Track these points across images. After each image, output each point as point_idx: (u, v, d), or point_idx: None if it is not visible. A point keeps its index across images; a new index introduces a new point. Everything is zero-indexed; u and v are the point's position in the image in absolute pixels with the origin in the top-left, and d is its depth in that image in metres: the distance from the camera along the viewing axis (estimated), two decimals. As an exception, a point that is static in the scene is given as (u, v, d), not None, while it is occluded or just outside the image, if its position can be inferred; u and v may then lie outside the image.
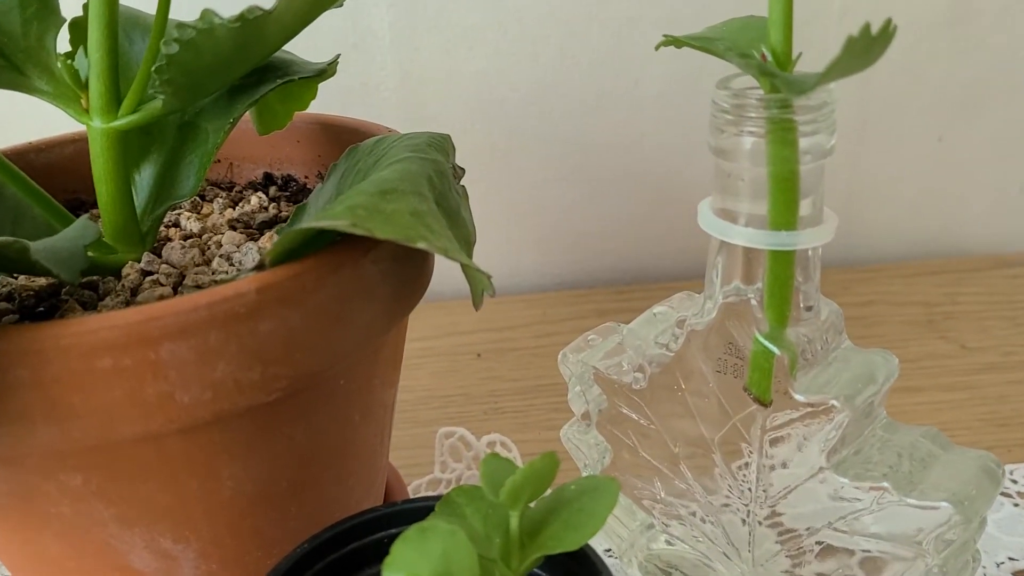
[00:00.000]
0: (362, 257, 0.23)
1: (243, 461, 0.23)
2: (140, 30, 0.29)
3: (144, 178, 0.28)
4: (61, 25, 0.26)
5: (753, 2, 0.28)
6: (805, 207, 0.23)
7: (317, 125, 0.33)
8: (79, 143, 0.33)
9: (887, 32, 0.18)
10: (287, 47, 0.30)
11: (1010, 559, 0.33)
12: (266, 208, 0.32)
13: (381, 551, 0.23)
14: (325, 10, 0.25)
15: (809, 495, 0.26)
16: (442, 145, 0.27)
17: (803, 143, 0.22)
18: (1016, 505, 0.35)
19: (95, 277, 0.26)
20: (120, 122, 0.25)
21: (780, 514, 0.27)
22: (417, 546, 0.19)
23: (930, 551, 0.23)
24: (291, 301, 0.21)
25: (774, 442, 0.26)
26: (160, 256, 0.27)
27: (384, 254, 0.24)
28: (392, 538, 0.19)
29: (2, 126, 0.50)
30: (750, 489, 0.27)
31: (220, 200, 0.32)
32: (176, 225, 0.31)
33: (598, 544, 0.34)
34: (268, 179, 0.35)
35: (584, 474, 0.32)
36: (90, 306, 0.24)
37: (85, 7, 0.25)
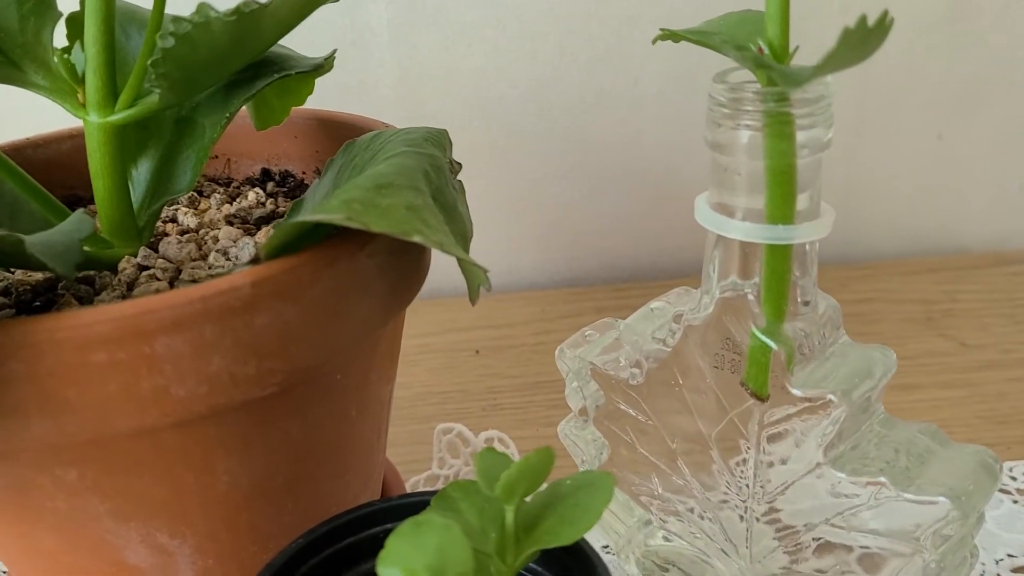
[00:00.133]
0: (358, 251, 0.23)
1: (239, 455, 0.23)
2: (137, 25, 0.29)
3: (141, 173, 0.28)
4: (58, 20, 0.26)
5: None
6: (802, 201, 0.23)
7: (314, 121, 0.33)
8: (77, 139, 0.33)
9: (883, 25, 0.18)
10: (285, 43, 0.30)
11: (1009, 556, 0.33)
12: (263, 204, 0.32)
13: (377, 546, 0.23)
14: (321, 4, 0.25)
15: (807, 491, 0.26)
16: (439, 140, 0.27)
17: (800, 137, 0.22)
18: (1015, 502, 0.35)
19: (92, 272, 0.26)
20: (117, 117, 0.25)
21: (778, 510, 0.27)
22: (412, 540, 0.19)
23: (927, 547, 0.23)
24: (286, 295, 0.21)
25: (772, 439, 0.26)
26: (157, 251, 0.27)
27: (380, 248, 0.24)
28: (388, 533, 0.19)
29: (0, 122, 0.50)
30: (748, 485, 0.27)
31: (217, 196, 0.32)
32: (173, 221, 0.31)
33: (595, 540, 0.34)
34: (266, 175, 0.35)
35: (581, 470, 0.32)
36: (86, 301, 0.24)
37: (82, 2, 0.25)
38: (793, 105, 0.21)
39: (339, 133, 0.32)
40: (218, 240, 0.28)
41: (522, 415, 0.44)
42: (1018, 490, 0.36)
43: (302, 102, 0.30)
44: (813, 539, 0.27)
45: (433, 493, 0.23)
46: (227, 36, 0.22)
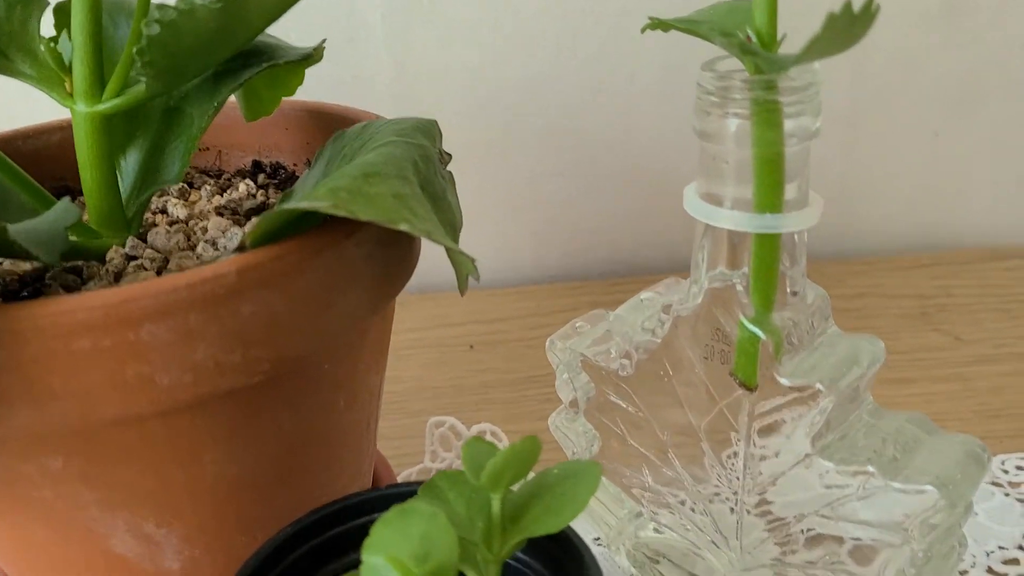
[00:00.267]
0: (345, 240, 0.23)
1: (226, 445, 0.23)
2: (125, 14, 0.28)
3: (129, 164, 0.28)
4: (45, 9, 0.26)
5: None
6: (791, 191, 0.23)
7: (305, 112, 0.33)
8: (66, 131, 0.33)
9: (869, 12, 0.18)
10: (275, 34, 0.30)
11: (1000, 548, 0.33)
12: (254, 195, 0.32)
13: (364, 536, 0.23)
14: (309, -7, 0.25)
15: (797, 483, 0.26)
16: (428, 130, 0.27)
17: (788, 125, 0.22)
18: (1007, 495, 0.35)
19: (79, 262, 0.26)
20: (104, 106, 0.25)
21: (769, 503, 0.27)
22: (397, 527, 0.19)
23: (915, 536, 0.23)
24: (272, 283, 0.21)
25: (762, 432, 0.26)
26: (145, 241, 0.27)
27: (368, 237, 0.23)
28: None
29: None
30: (738, 478, 0.27)
31: (208, 187, 0.32)
32: (164, 212, 0.31)
33: (586, 532, 0.34)
34: (256, 167, 0.35)
35: (572, 462, 0.32)
36: (74, 290, 0.24)
37: (69, -10, 0.25)
38: (781, 93, 0.21)
39: (330, 124, 0.32)
40: (207, 231, 0.28)
41: (515, 409, 0.44)
42: (1010, 483, 0.36)
43: (292, 93, 0.30)
44: (803, 531, 0.27)
45: (421, 483, 0.23)
46: (213, 23, 0.22)
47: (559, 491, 0.21)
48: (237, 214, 0.30)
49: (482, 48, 0.54)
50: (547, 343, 0.30)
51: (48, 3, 0.26)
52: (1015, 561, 0.32)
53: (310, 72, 0.30)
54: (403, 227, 0.21)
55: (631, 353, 0.28)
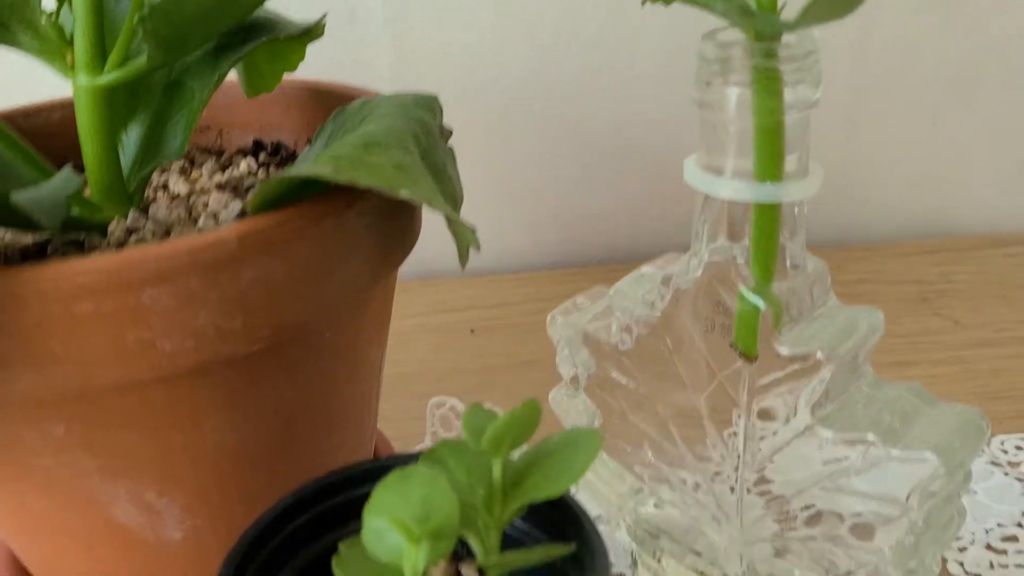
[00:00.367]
0: (346, 209, 0.23)
1: (227, 413, 0.23)
2: (126, -12, 0.28)
3: (131, 138, 0.28)
4: (46, -19, 0.26)
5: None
6: (791, 162, 0.23)
7: (306, 90, 0.33)
8: (67, 109, 0.33)
9: (869, -26, 0.18)
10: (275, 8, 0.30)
11: (999, 525, 0.33)
12: (255, 173, 0.32)
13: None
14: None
15: (797, 461, 0.26)
16: (429, 104, 0.27)
17: (788, 94, 0.22)
18: (1006, 474, 0.35)
19: (81, 235, 0.26)
20: (106, 78, 0.25)
21: (769, 481, 0.27)
22: (398, 490, 0.19)
23: (914, 504, 0.23)
24: (273, 250, 0.21)
25: (762, 415, 0.26)
26: (147, 215, 0.27)
27: (369, 207, 0.24)
28: (376, 492, 0.19)
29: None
30: (739, 455, 0.27)
31: (209, 165, 0.32)
32: (164, 188, 0.31)
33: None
34: (257, 146, 0.35)
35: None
36: (75, 261, 0.24)
37: (70, -38, 0.25)
38: (781, 61, 0.21)
39: (331, 103, 0.32)
40: (208, 205, 0.28)
41: (516, 391, 0.44)
42: (1009, 463, 0.36)
43: (293, 68, 0.30)
44: (803, 508, 0.27)
45: (421, 454, 0.23)
46: (214, -8, 0.22)
47: (559, 457, 0.21)
48: (238, 191, 0.30)
49: (482, 31, 0.54)
50: (548, 318, 0.30)
51: (49, -25, 0.26)
52: (1013, 538, 0.33)
53: (310, 55, 0.30)
54: (403, 194, 0.21)
55: (631, 327, 0.28)
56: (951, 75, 0.56)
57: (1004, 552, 0.32)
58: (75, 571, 0.27)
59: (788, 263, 0.25)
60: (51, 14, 0.27)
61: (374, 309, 0.27)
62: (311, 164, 0.20)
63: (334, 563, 0.20)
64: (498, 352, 0.48)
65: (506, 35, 0.54)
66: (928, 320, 0.49)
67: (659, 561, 0.31)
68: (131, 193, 0.27)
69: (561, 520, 0.22)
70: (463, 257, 0.24)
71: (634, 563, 0.32)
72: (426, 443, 0.40)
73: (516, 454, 0.22)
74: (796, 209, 0.25)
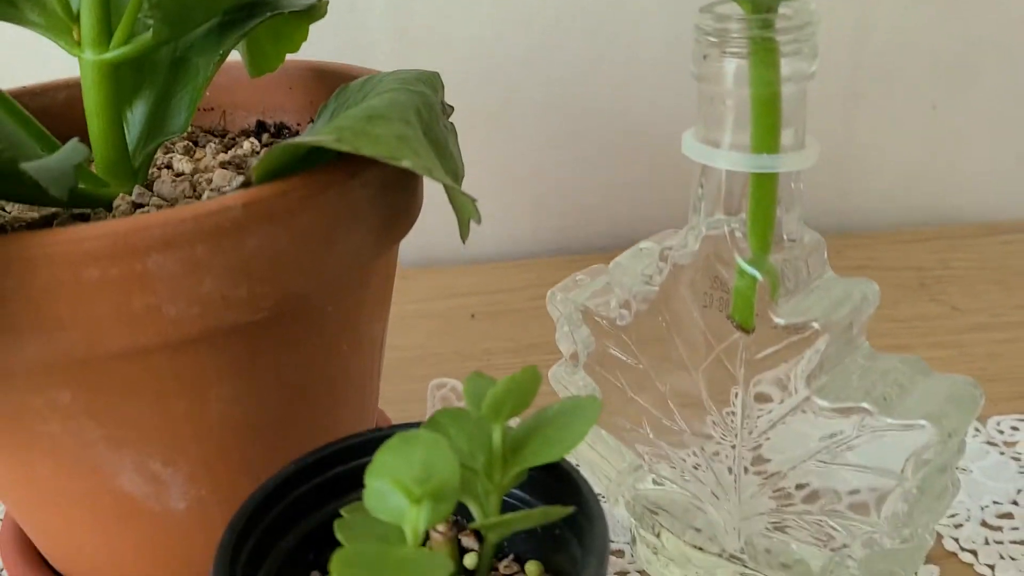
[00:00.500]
0: (350, 179, 0.23)
1: (231, 383, 0.24)
2: (132, -34, 0.29)
3: (136, 115, 0.28)
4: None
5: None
6: (787, 137, 0.24)
7: (309, 71, 0.34)
8: (72, 88, 0.34)
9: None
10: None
11: (994, 503, 0.33)
12: (258, 153, 0.32)
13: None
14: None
15: (793, 437, 0.26)
16: (431, 81, 0.27)
17: (785, 66, 0.22)
18: (1001, 453, 0.36)
19: (87, 210, 0.26)
20: (112, 54, 0.25)
21: (766, 460, 0.28)
22: (399, 453, 0.20)
23: (908, 473, 0.23)
24: (277, 218, 0.21)
25: (759, 399, 0.26)
26: (151, 190, 0.27)
27: (372, 179, 0.24)
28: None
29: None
30: (736, 433, 0.28)
31: (213, 145, 0.32)
32: (169, 167, 0.31)
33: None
34: (261, 127, 0.35)
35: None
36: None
37: (76, -61, 0.25)
38: (777, 32, 0.22)
39: (333, 84, 0.32)
40: (212, 181, 0.28)
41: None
42: (1005, 443, 0.37)
43: (296, 48, 0.30)
44: (799, 485, 0.27)
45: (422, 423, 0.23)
46: (219, -35, 0.22)
47: (558, 423, 0.22)
48: (241, 169, 0.31)
49: (482, 19, 0.54)
50: (548, 295, 0.30)
51: (55, -47, 0.27)
52: (1008, 515, 0.33)
53: (309, 44, 0.30)
54: (405, 164, 0.21)
55: (630, 302, 0.28)
56: (950, 64, 0.57)
57: (999, 529, 0.32)
58: (80, 542, 0.27)
59: (784, 236, 0.25)
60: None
61: (376, 285, 0.27)
62: (314, 134, 0.21)
63: (336, 526, 0.21)
64: (499, 336, 0.48)
65: (507, 24, 0.54)
66: (926, 306, 0.49)
67: (658, 536, 0.31)
68: (136, 169, 0.28)
69: (560, 488, 0.23)
70: (464, 229, 0.24)
71: (633, 539, 0.33)
72: (427, 424, 0.40)
73: (516, 423, 0.23)
74: (792, 184, 0.25)
